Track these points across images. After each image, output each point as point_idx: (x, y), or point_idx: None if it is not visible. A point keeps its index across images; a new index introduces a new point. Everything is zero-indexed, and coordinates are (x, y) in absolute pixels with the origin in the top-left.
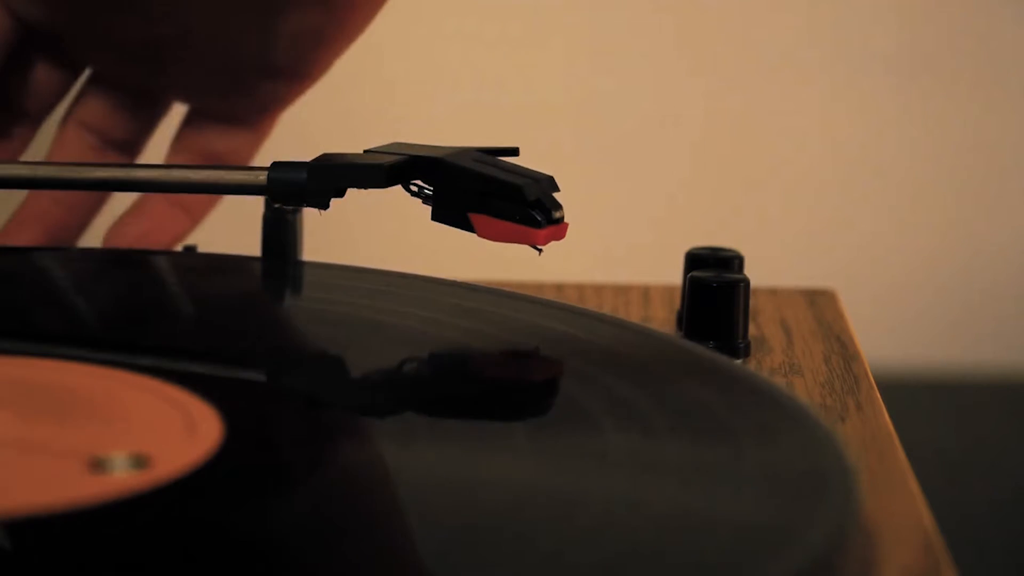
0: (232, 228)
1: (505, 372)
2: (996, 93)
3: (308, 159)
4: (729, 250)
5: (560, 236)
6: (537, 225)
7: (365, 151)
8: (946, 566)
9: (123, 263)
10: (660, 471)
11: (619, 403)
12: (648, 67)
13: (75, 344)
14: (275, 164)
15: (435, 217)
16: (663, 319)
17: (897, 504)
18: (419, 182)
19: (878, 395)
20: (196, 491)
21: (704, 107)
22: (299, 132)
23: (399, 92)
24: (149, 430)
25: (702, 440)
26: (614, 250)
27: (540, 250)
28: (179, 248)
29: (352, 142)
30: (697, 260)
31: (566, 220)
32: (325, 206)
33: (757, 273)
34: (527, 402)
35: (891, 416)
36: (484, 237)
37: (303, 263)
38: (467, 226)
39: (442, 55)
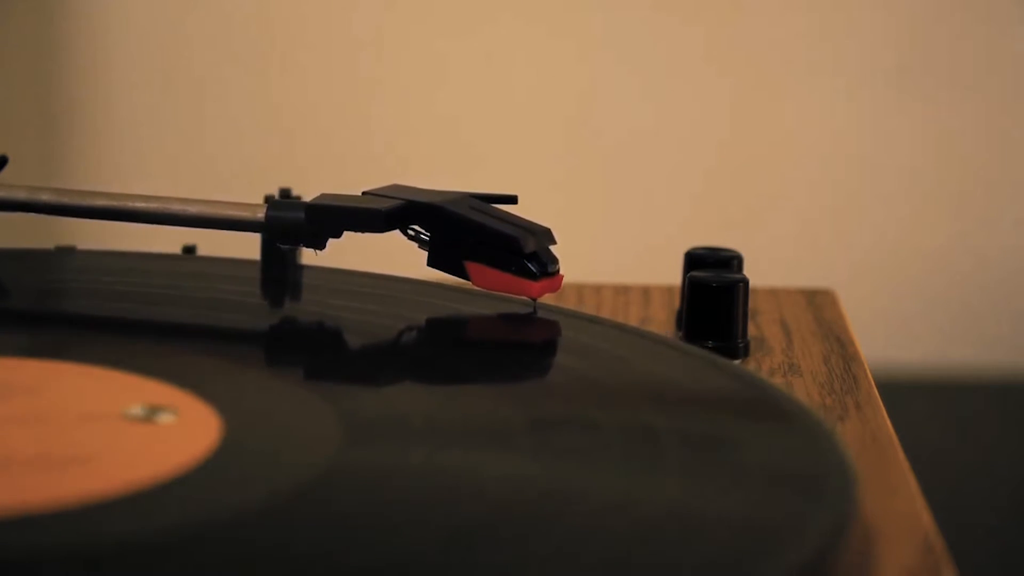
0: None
1: (505, 372)
2: (997, 97)
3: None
4: (729, 250)
5: (555, 288)
6: (532, 277)
7: (363, 193)
8: (946, 566)
9: (122, 263)
10: (660, 471)
11: (618, 404)
12: (649, 72)
13: (72, 343)
14: (273, 202)
15: (431, 263)
16: (663, 319)
17: (897, 504)
18: (416, 227)
19: (877, 395)
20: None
21: (704, 110)
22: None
23: (411, 91)
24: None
25: (701, 440)
26: (614, 250)
27: (534, 301)
28: (179, 250)
29: (353, 141)
30: (697, 260)
31: (561, 272)
32: (322, 247)
33: (757, 273)
34: (526, 400)
35: (890, 416)
36: (479, 286)
37: (302, 266)
38: (462, 274)
39: (452, 50)
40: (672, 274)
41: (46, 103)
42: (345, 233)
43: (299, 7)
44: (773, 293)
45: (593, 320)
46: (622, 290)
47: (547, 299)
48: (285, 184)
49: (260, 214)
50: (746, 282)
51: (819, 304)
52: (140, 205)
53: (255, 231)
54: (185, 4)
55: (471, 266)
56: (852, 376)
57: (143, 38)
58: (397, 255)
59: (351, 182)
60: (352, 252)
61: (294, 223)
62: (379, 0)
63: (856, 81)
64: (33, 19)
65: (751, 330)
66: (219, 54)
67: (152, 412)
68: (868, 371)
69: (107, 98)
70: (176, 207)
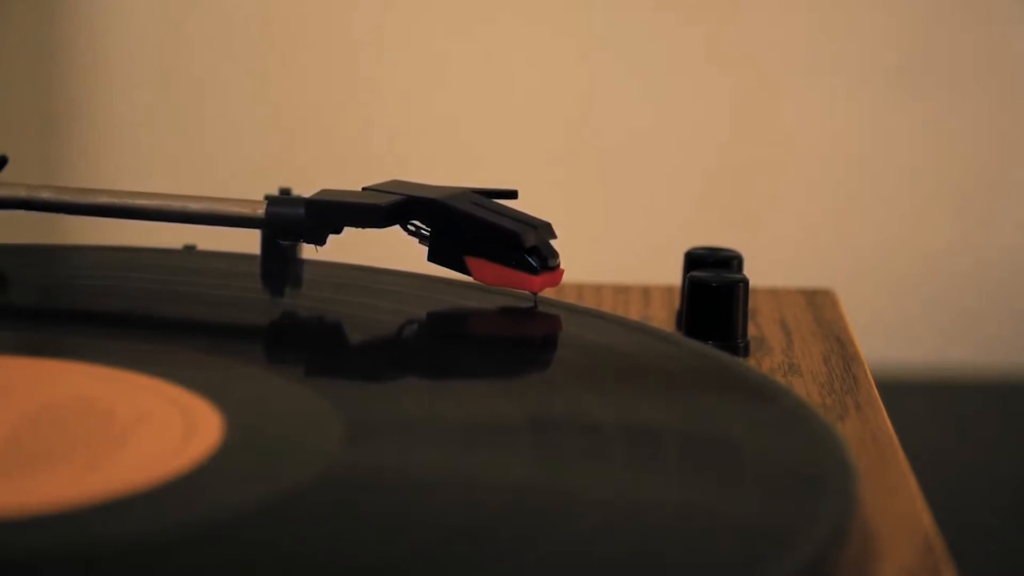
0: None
1: (505, 368)
2: (997, 97)
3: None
4: (728, 250)
5: (555, 283)
6: (533, 271)
7: (363, 188)
8: (946, 566)
9: (122, 262)
10: (660, 470)
11: (619, 401)
12: (649, 72)
13: (76, 343)
14: (273, 198)
15: (431, 258)
16: (663, 319)
17: (897, 504)
18: (417, 222)
19: (877, 395)
20: None
21: (705, 110)
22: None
23: (413, 89)
24: (135, 450)
25: (702, 439)
26: (614, 250)
27: (535, 295)
28: (179, 247)
29: (353, 141)
30: (697, 260)
31: (562, 267)
32: (322, 242)
33: (757, 273)
34: (528, 397)
35: (890, 416)
36: (479, 280)
37: (302, 261)
38: (463, 269)
39: (452, 50)
40: (672, 274)
41: (46, 103)
42: (345, 229)
43: (299, 7)
44: (773, 293)
45: (595, 314)
46: (622, 290)
47: (548, 293)
48: (285, 184)
49: (260, 210)
50: (746, 282)
51: (819, 304)
52: (140, 202)
53: (256, 227)
54: (185, 4)
55: (472, 261)
56: (852, 376)
57: (143, 38)
58: (397, 250)
59: (351, 182)
60: (352, 247)
61: (294, 219)
62: (379, 0)
63: (856, 81)
64: (33, 19)
65: (751, 330)
66: (219, 54)
67: None
68: (868, 371)
69: (107, 98)
70: (177, 204)
